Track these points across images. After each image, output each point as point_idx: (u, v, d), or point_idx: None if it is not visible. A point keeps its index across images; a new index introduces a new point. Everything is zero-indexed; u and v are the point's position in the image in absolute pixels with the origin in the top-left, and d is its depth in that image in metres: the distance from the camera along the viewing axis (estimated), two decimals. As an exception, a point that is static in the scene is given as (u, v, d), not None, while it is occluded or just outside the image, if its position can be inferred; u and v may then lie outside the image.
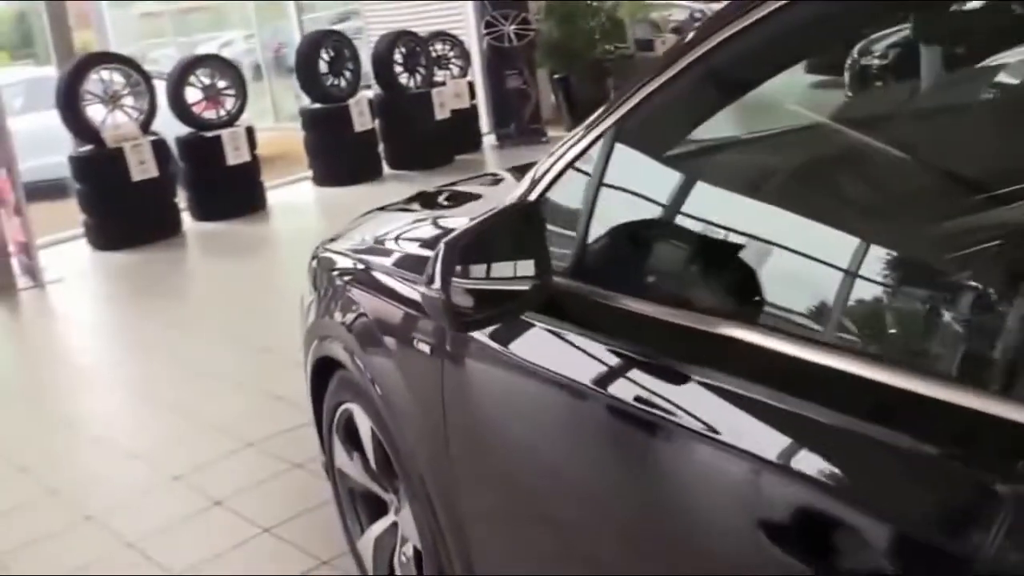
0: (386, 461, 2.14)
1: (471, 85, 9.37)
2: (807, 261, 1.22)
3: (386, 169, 8.49)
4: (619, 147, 1.42)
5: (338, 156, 8.17)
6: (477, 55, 9.64)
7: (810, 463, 1.02)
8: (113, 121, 6.95)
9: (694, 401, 1.16)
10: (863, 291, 1.15)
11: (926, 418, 0.94)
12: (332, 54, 8.25)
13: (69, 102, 6.78)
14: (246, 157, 7.46)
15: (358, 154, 8.24)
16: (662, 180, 1.48)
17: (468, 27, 9.71)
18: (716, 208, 1.38)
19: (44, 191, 8.07)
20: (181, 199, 7.42)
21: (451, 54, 9.30)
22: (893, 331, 1.13)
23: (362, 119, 8.16)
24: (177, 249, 6.93)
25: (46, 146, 7.74)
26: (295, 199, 8.07)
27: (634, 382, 1.27)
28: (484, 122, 9.67)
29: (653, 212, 1.47)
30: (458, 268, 1.39)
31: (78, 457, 3.65)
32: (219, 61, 8.01)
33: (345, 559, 2.50)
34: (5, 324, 5.81)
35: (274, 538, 2.82)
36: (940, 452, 0.92)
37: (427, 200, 2.66)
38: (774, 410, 1.05)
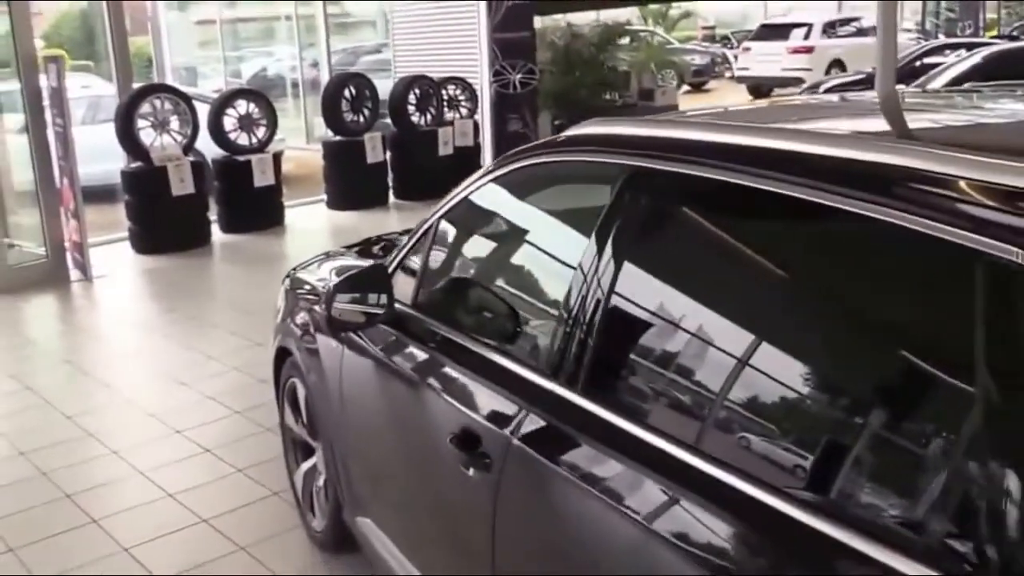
0: (312, 419, 3.21)
1: (476, 125, 10.39)
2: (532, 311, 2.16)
3: (392, 198, 9.42)
4: (438, 237, 2.51)
5: (350, 184, 9.12)
6: (486, 99, 10.66)
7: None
8: (161, 143, 7.91)
9: (458, 387, 2.14)
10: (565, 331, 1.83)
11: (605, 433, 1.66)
12: (354, 93, 9.30)
13: (125, 126, 7.77)
14: (271, 181, 8.45)
15: (368, 183, 9.19)
16: (458, 257, 2.56)
17: (482, 73, 10.79)
18: (482, 272, 2.45)
19: (96, 195, 8.77)
20: (212, 213, 8.33)
21: (461, 97, 10.29)
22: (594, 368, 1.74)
23: (375, 152, 9.20)
24: (204, 256, 7.90)
25: (100, 155, 8.51)
26: (309, 219, 8.96)
27: (433, 371, 2.28)
28: (488, 156, 10.72)
29: (450, 275, 2.54)
30: (339, 298, 2.47)
31: (110, 412, 4.70)
32: (254, 94, 9.02)
33: (291, 492, 3.53)
34: (58, 309, 6.86)
35: (243, 476, 3.85)
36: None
37: (372, 245, 3.74)
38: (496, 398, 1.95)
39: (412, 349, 2.38)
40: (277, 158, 8.68)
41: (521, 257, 2.27)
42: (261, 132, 8.67)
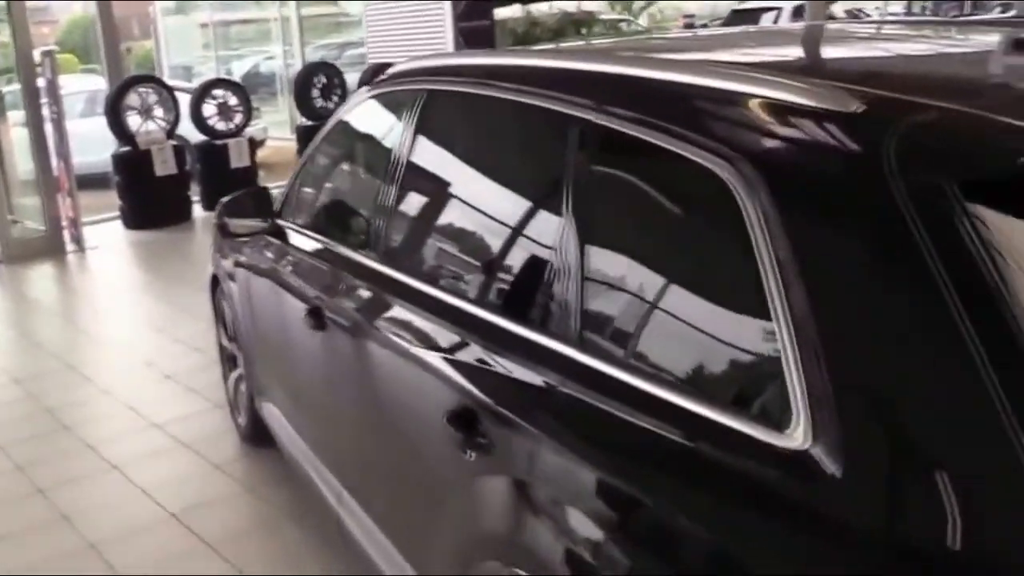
0: (236, 333, 4.02)
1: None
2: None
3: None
4: (308, 170, 3.31)
5: (319, 162, 10.01)
6: (452, 84, 11.50)
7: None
8: (146, 128, 8.75)
9: (314, 276, 2.84)
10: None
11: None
12: (324, 81, 10.15)
13: (114, 112, 8.60)
14: (247, 162, 9.26)
15: (334, 161, 10.08)
16: (329, 183, 3.32)
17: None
18: (344, 192, 3.19)
19: (94, 182, 9.67)
20: (194, 192, 9.14)
21: (426, 83, 11.20)
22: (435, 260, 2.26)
23: (341, 134, 10.03)
24: (186, 231, 8.71)
25: (98, 145, 9.31)
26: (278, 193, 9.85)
27: (299, 268, 2.98)
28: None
29: (323, 199, 3.28)
30: (228, 216, 3.26)
31: (102, 357, 5.53)
32: (231, 84, 9.83)
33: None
34: (54, 274, 7.72)
35: (197, 395, 4.66)
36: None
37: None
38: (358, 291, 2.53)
39: (289, 255, 3.10)
40: (253, 142, 9.49)
41: (361, 169, 2.95)
42: (237, 118, 9.44)
